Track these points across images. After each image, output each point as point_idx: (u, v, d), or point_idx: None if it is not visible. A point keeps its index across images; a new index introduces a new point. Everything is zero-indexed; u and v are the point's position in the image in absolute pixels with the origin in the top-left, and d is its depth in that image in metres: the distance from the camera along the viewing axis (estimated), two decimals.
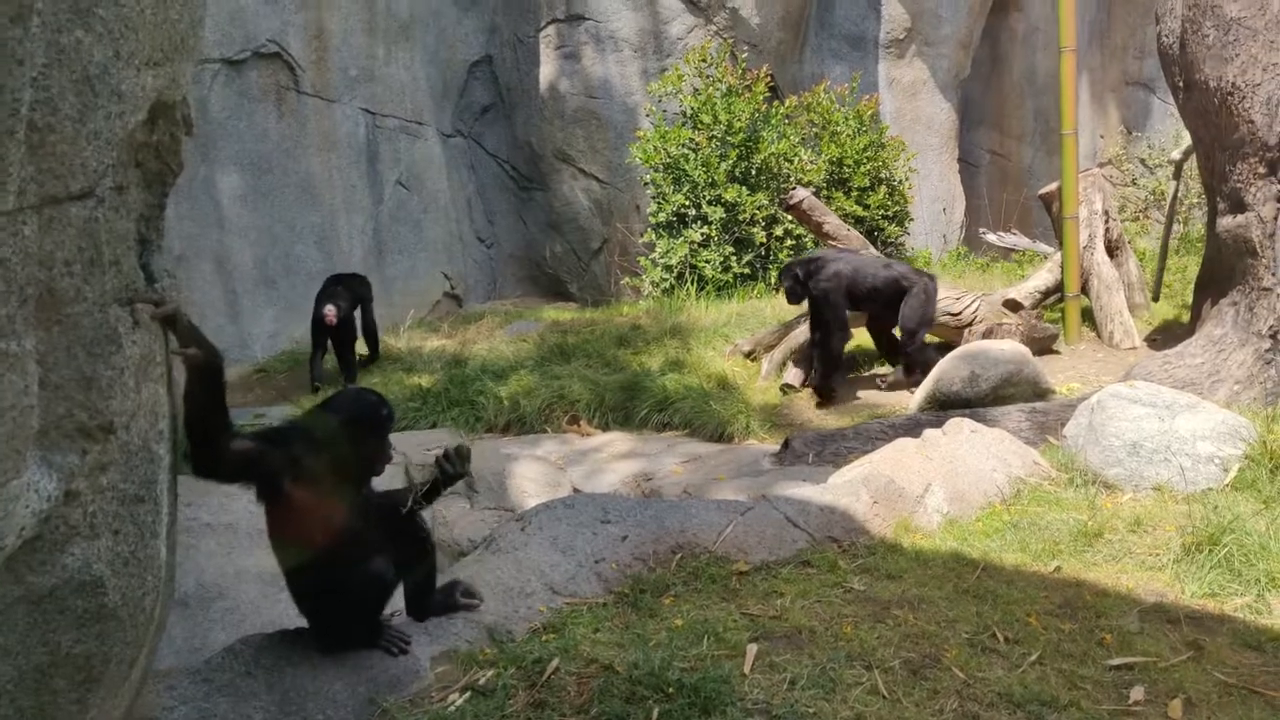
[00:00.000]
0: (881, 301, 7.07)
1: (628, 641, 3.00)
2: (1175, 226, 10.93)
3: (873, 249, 8.07)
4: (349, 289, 8.30)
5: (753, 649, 2.92)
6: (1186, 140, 7.87)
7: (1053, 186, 8.12)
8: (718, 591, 3.41)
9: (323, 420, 2.87)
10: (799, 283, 7.00)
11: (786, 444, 5.84)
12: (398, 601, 3.21)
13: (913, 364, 7.03)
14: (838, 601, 3.30)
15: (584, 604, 3.35)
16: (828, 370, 6.98)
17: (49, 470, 1.92)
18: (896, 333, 7.20)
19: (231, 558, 4.95)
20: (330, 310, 7.92)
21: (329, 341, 8.19)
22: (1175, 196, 9.01)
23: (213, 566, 4.87)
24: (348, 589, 2.84)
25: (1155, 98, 12.48)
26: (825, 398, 6.96)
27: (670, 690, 2.66)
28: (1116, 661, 2.85)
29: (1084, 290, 8.02)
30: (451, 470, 3.00)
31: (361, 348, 8.52)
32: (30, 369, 1.83)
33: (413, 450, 6.33)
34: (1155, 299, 8.76)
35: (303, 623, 3.06)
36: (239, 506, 5.20)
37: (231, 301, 9.63)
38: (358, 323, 8.42)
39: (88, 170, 1.92)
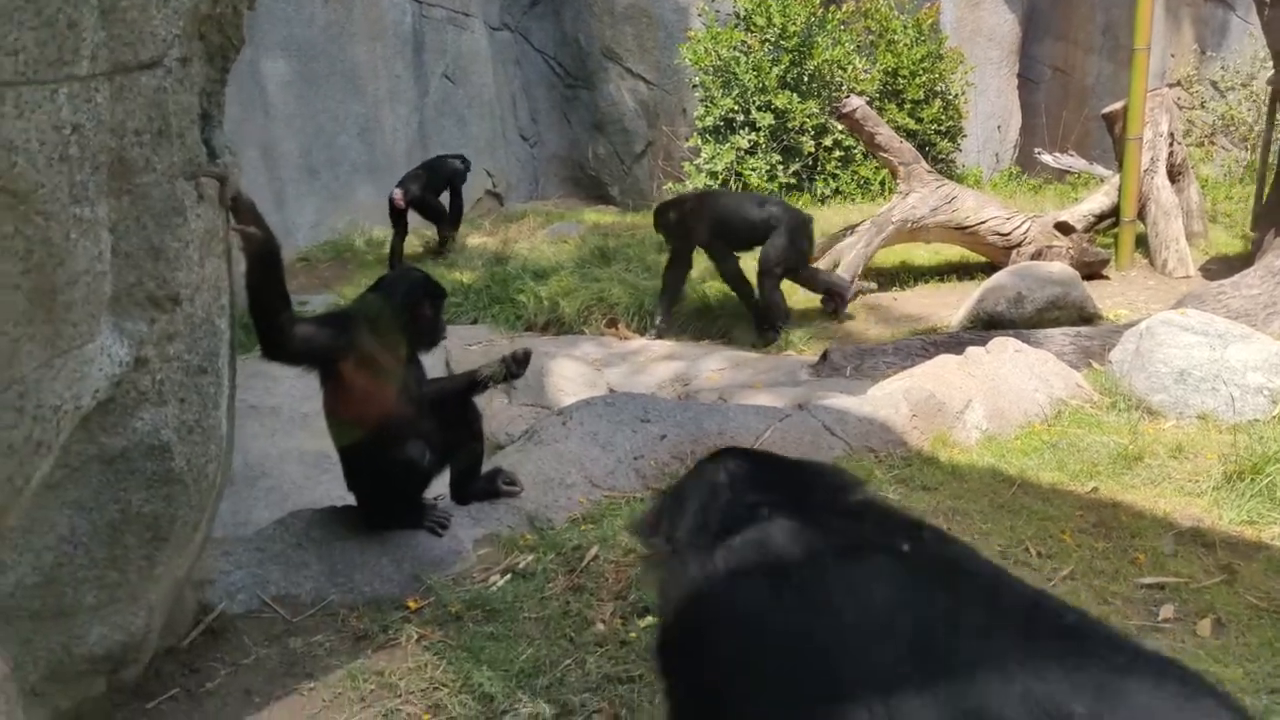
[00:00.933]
0: (757, 242, 6.72)
1: None
2: (1243, 155, 10.58)
3: (924, 163, 7.91)
4: (434, 172, 8.32)
5: None
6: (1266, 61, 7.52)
7: (1118, 105, 7.86)
8: None
9: (377, 300, 2.94)
10: (674, 219, 6.70)
11: (825, 356, 5.84)
12: (440, 486, 3.31)
13: (763, 311, 6.73)
14: None
15: (622, 497, 3.43)
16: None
17: (120, 336, 1.98)
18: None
19: (275, 439, 5.09)
20: (397, 193, 8.01)
21: (404, 224, 8.31)
22: (1274, 118, 8.60)
23: (257, 447, 5.01)
24: (395, 469, 2.92)
25: (1234, 15, 11.92)
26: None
27: None
28: (1148, 580, 2.89)
29: (1140, 216, 7.83)
30: (515, 371, 3.12)
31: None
32: (103, 236, 1.87)
33: (454, 345, 6.42)
34: (1254, 229, 8.46)
35: (346, 501, 3.17)
36: (283, 390, 5.33)
37: (277, 189, 9.66)
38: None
39: (157, 39, 1.92)
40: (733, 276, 6.79)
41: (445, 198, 8.56)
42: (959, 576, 1.24)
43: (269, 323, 2.60)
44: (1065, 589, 2.84)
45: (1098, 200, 8.13)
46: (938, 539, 1.34)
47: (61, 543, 2.06)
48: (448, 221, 8.69)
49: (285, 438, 5.11)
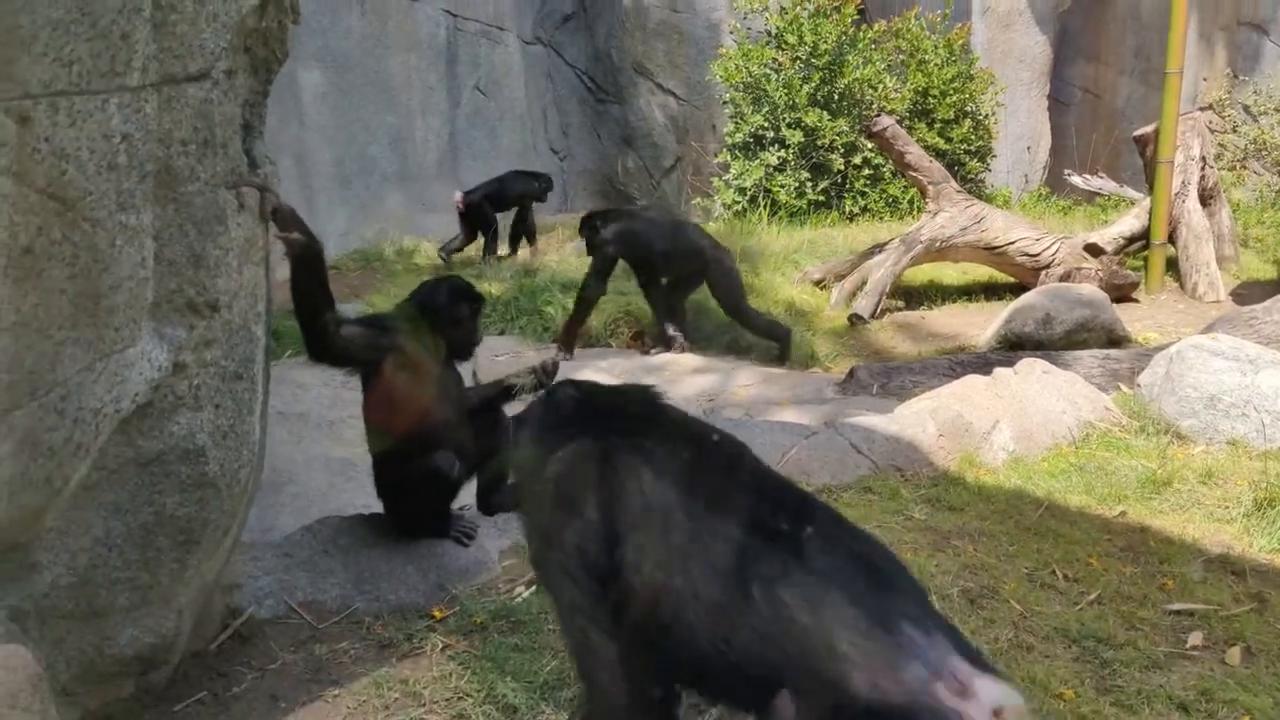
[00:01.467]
0: (674, 269, 6.57)
1: None
2: (1276, 179, 10.49)
3: (953, 183, 7.89)
4: (505, 186, 8.77)
5: None
6: None
7: (1149, 128, 7.82)
8: None
9: (418, 304, 2.99)
10: (596, 233, 6.50)
11: (851, 373, 5.82)
12: (466, 496, 3.33)
13: (774, 339, 6.63)
14: (898, 528, 3.33)
15: None
16: (572, 318, 6.60)
17: (160, 342, 2.01)
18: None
19: (301, 446, 5.12)
20: (458, 196, 8.50)
21: (468, 230, 8.76)
22: None
23: (283, 453, 5.04)
24: (427, 476, 2.95)
25: (1268, 40, 11.83)
26: (562, 344, 6.51)
27: None
28: (1177, 606, 2.86)
29: (1171, 239, 7.78)
30: (545, 381, 3.16)
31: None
32: (147, 243, 1.90)
33: (481, 355, 6.43)
34: None
35: (372, 509, 3.19)
36: (310, 397, 5.37)
37: (308, 198, 9.76)
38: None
39: (205, 52, 1.97)
40: (649, 297, 6.74)
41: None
42: (707, 450, 1.87)
43: (314, 324, 2.66)
44: (1092, 613, 2.82)
45: (1128, 223, 8.08)
46: (711, 434, 1.94)
47: (96, 544, 2.09)
48: (493, 237, 8.89)
49: (312, 444, 5.14)
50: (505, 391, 3.19)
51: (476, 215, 8.61)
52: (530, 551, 2.05)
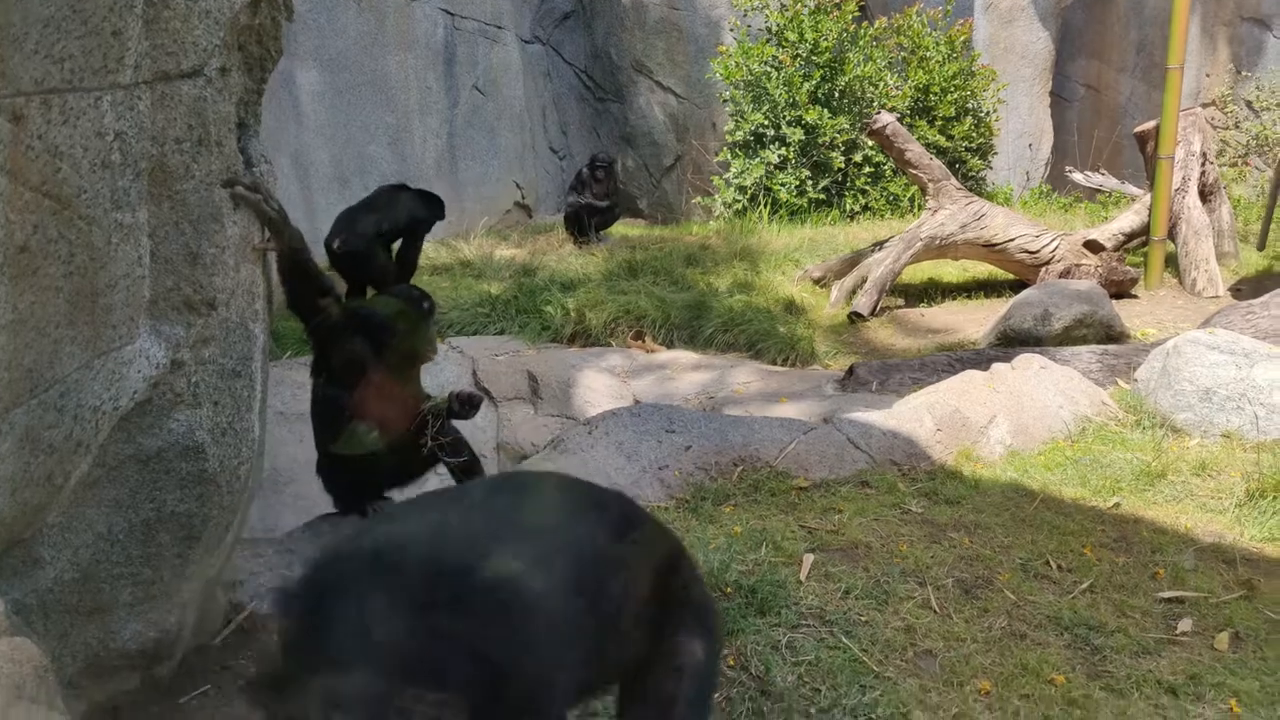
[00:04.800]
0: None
1: (688, 544, 3.09)
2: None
3: (953, 180, 7.90)
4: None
5: (809, 558, 3.00)
6: None
7: (1150, 124, 7.82)
8: (777, 504, 3.49)
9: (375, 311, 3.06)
10: None
11: (851, 371, 5.84)
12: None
13: None
14: (895, 521, 3.35)
15: (647, 507, 3.45)
16: None
17: (158, 339, 2.04)
18: None
19: (303, 446, 5.13)
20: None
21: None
22: None
23: (285, 453, 5.06)
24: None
25: (1271, 35, 11.81)
26: None
27: (728, 590, 2.76)
28: (1167, 594, 2.88)
29: (1171, 235, 7.78)
30: (458, 411, 3.13)
31: None
32: (143, 241, 1.93)
33: (481, 355, 6.49)
34: (1261, 247, 8.40)
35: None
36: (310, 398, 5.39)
37: (307, 198, 9.77)
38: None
39: (198, 48, 1.99)
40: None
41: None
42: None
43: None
44: (1084, 602, 2.84)
45: (1128, 219, 8.08)
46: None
47: (99, 540, 2.12)
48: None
49: (312, 445, 5.17)
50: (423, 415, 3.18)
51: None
52: None
